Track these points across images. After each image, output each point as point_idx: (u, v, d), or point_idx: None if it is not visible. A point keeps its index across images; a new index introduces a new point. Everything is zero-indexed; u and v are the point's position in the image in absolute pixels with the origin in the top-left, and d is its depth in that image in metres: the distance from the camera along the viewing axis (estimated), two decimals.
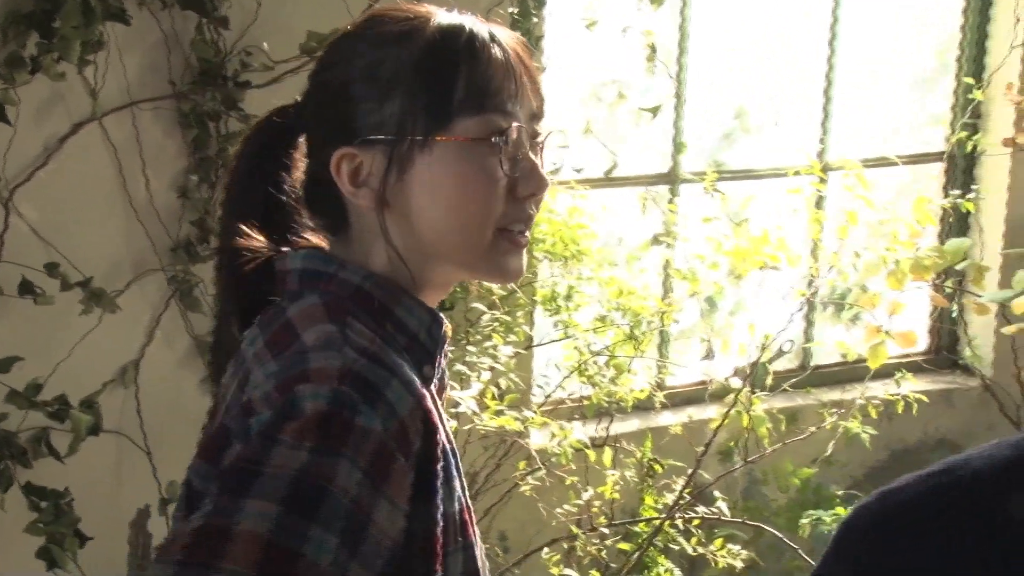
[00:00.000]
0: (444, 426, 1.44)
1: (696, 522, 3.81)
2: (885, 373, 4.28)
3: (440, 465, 1.38)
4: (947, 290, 4.49)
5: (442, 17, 1.47)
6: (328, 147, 1.47)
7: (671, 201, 4.17)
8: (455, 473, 1.44)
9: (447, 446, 1.42)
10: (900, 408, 3.95)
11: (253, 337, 1.45)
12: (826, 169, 4.23)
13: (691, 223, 4.04)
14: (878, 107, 4.63)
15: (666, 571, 3.81)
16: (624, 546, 3.85)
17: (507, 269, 1.50)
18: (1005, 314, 4.31)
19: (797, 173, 4.05)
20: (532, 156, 1.48)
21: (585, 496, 3.71)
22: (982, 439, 4.70)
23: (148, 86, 3.30)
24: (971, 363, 4.71)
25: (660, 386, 4.09)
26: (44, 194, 3.24)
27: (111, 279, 3.33)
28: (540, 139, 1.51)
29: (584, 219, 3.77)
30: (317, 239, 1.55)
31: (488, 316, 3.58)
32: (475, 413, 3.32)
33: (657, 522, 3.79)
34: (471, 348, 3.53)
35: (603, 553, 3.74)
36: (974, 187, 4.37)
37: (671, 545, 3.83)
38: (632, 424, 4.20)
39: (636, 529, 3.91)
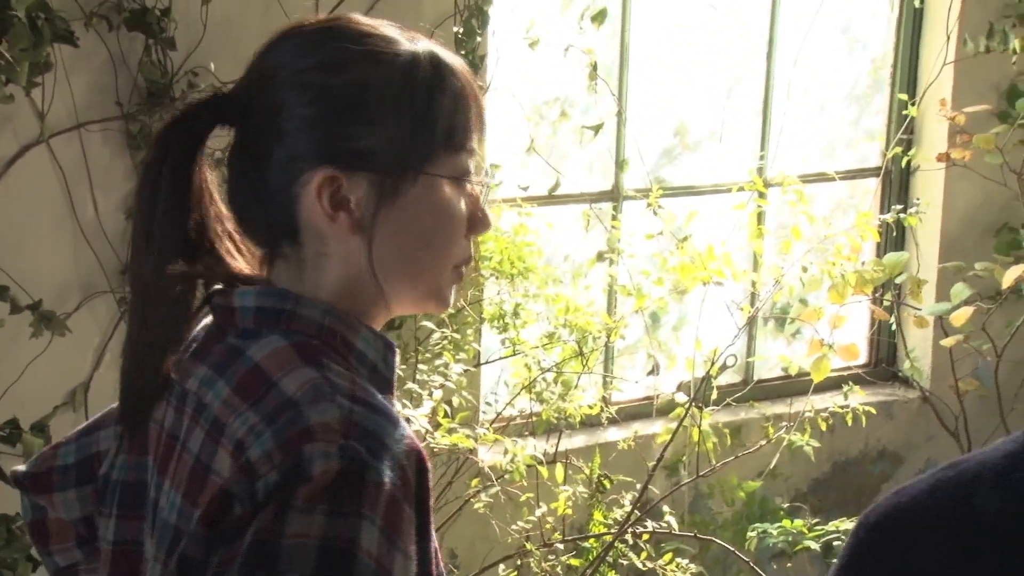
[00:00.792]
0: None
1: (645, 537, 3.83)
2: (826, 386, 4.34)
3: (432, 502, 1.38)
4: (885, 303, 4.55)
5: (422, 45, 1.44)
6: (298, 163, 1.39)
7: (615, 218, 4.20)
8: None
9: None
10: (849, 420, 4.00)
11: (208, 379, 1.41)
12: (767, 185, 4.29)
13: (635, 239, 4.07)
14: (815, 123, 4.69)
15: None
16: (575, 562, 3.86)
17: (448, 300, 1.50)
18: (943, 326, 4.38)
19: (740, 189, 4.10)
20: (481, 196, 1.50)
21: (538, 512, 3.73)
22: (922, 450, 4.77)
23: (96, 108, 3.28)
24: (910, 375, 4.77)
25: (606, 401, 4.12)
26: None
27: (60, 301, 3.31)
28: (488, 182, 1.51)
29: (529, 236, 3.79)
30: (241, 261, 1.50)
31: (438, 334, 3.59)
32: (428, 431, 3.32)
33: (608, 538, 3.81)
34: (421, 367, 3.54)
35: (557, 569, 3.75)
36: (917, 201, 4.43)
37: (621, 560, 3.86)
38: (579, 440, 4.22)
39: (586, 544, 3.93)
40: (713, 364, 3.90)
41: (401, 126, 1.39)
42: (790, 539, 4.06)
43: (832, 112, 4.74)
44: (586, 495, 3.90)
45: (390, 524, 1.24)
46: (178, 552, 1.33)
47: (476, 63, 3.60)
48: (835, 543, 3.98)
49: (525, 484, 3.69)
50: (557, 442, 3.95)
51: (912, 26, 4.62)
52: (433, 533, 1.42)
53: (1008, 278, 4.01)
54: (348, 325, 1.42)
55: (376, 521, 1.22)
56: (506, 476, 3.59)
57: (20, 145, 3.23)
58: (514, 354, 3.84)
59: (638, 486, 3.88)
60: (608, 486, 3.94)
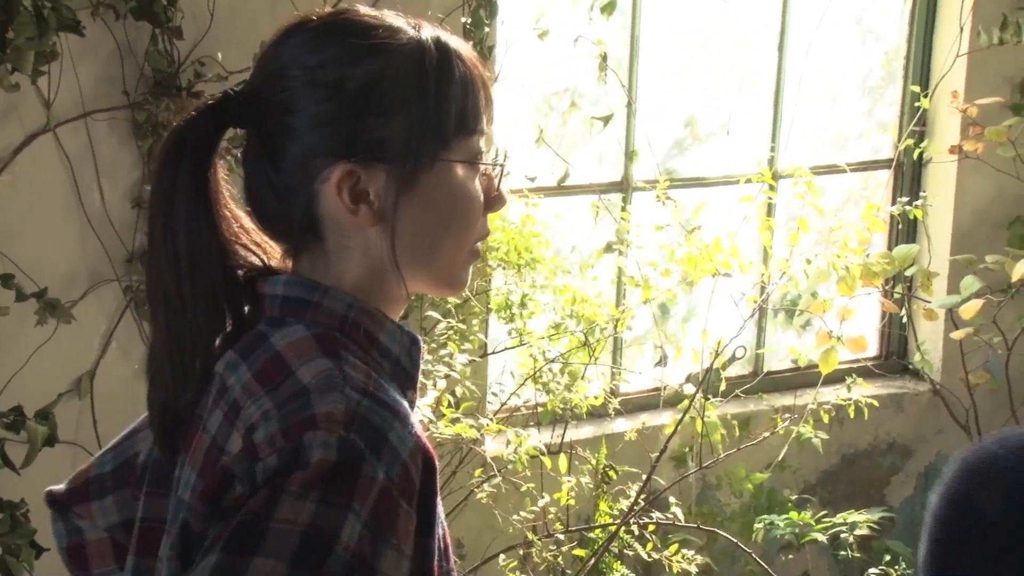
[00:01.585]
0: None
1: (651, 528, 3.84)
2: (836, 378, 4.32)
3: (438, 499, 1.39)
4: (896, 296, 4.53)
5: (428, 32, 1.45)
6: (315, 160, 1.40)
7: (623, 209, 4.20)
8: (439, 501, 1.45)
9: None
10: (852, 412, 3.99)
11: (233, 363, 1.43)
12: (776, 177, 4.28)
13: (644, 231, 4.07)
14: (827, 115, 4.68)
15: None
16: (580, 552, 3.87)
17: (465, 281, 1.52)
18: (953, 319, 4.36)
19: (748, 181, 4.09)
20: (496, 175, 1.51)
21: (541, 503, 3.73)
22: (932, 443, 4.75)
23: (102, 97, 3.30)
24: (920, 368, 4.76)
25: (614, 392, 4.11)
26: None
27: (66, 290, 3.32)
28: (502, 159, 1.52)
29: (537, 227, 3.80)
30: (267, 252, 1.51)
31: (443, 324, 3.60)
32: (431, 421, 3.33)
33: (612, 528, 3.81)
34: (426, 356, 3.55)
35: (559, 559, 3.76)
36: (923, 194, 4.42)
37: (626, 551, 3.86)
38: (586, 431, 4.21)
39: (591, 535, 3.94)
40: (718, 355, 3.89)
41: (414, 115, 1.41)
42: (797, 531, 4.06)
43: (844, 104, 4.72)
44: (591, 486, 3.91)
45: (378, 519, 1.25)
46: (179, 521, 1.37)
47: (485, 53, 3.61)
48: (842, 535, 3.98)
49: (528, 475, 3.69)
50: (563, 433, 3.95)
51: (925, 18, 4.60)
52: (441, 530, 1.43)
53: (1019, 271, 3.98)
54: (373, 319, 1.44)
55: (361, 515, 1.23)
56: (509, 467, 3.60)
57: (27, 134, 3.24)
58: (521, 344, 3.84)
59: (644, 477, 3.88)
60: (614, 477, 3.95)
